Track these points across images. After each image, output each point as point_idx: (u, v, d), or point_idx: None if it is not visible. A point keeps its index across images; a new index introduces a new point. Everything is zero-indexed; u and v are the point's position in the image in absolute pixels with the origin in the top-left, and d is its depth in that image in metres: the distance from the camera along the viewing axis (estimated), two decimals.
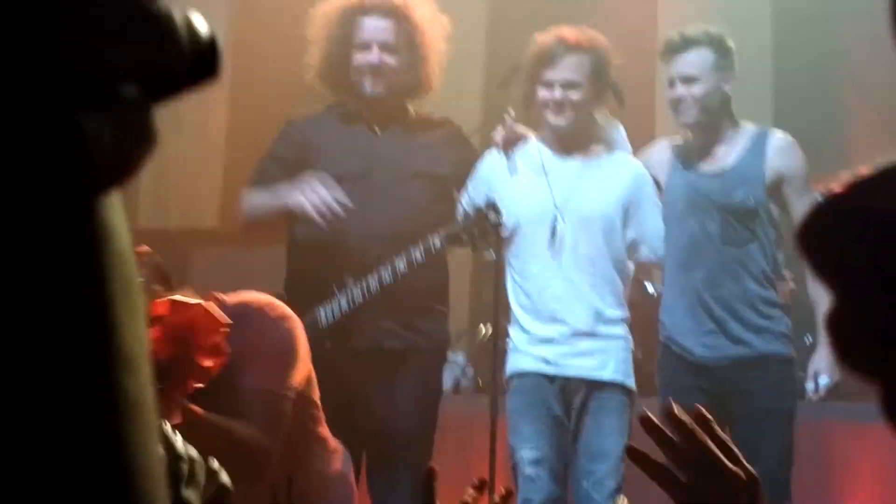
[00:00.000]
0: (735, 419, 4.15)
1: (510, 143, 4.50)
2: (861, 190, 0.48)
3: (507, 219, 4.29)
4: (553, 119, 4.38)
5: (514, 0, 6.46)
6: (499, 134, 4.56)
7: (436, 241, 4.21)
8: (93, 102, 0.52)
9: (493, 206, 4.21)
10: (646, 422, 1.59)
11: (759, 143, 4.49)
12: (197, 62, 0.55)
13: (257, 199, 4.42)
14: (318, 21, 4.47)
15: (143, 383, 0.57)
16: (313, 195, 4.21)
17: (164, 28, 0.53)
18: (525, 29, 4.57)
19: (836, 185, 0.47)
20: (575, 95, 4.34)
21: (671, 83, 4.50)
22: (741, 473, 1.51)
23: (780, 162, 4.45)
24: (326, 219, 4.18)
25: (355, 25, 4.41)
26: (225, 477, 2.00)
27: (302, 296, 4.23)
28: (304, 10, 4.50)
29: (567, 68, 4.34)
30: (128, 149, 0.54)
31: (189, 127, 7.09)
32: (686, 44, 4.48)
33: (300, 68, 4.55)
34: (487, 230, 4.21)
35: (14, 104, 0.51)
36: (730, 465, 1.51)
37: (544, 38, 4.40)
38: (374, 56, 4.39)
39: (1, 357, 0.52)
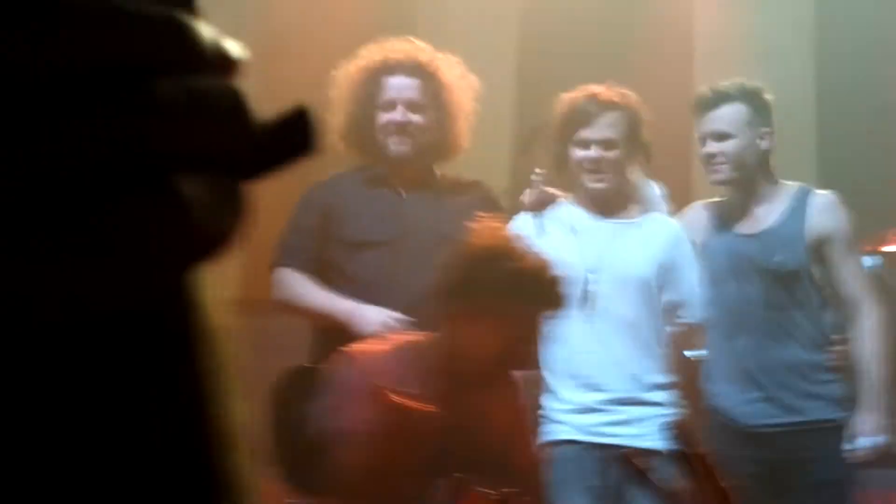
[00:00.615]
0: (791, 489, 4.10)
1: (540, 205, 4.42)
2: None
3: None
4: (590, 180, 4.32)
5: (544, 60, 6.44)
6: (528, 196, 4.47)
7: None
8: (185, 172, 0.52)
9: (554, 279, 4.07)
10: None
11: (799, 203, 4.45)
12: (283, 138, 0.55)
13: (307, 293, 4.28)
14: (342, 82, 4.40)
15: (241, 463, 0.57)
16: (378, 322, 4.08)
17: (232, 107, 0.53)
18: (555, 89, 4.48)
19: None
20: (612, 154, 4.30)
21: (703, 140, 4.46)
22: None
23: (822, 222, 4.40)
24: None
25: (380, 85, 4.35)
26: None
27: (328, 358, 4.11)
28: (326, 71, 4.41)
29: (603, 127, 4.29)
30: (221, 218, 0.54)
31: None
32: (718, 99, 4.45)
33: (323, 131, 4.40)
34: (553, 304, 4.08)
35: (115, 168, 0.50)
36: None
37: (575, 96, 4.34)
38: (398, 115, 4.31)
39: (97, 438, 0.52)
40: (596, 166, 4.31)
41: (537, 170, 4.47)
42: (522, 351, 3.62)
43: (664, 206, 4.57)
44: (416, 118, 4.32)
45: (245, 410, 0.57)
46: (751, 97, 4.46)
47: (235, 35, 0.55)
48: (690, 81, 6.14)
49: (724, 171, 4.42)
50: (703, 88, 4.59)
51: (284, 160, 0.55)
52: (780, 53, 6.37)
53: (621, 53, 6.30)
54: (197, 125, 0.52)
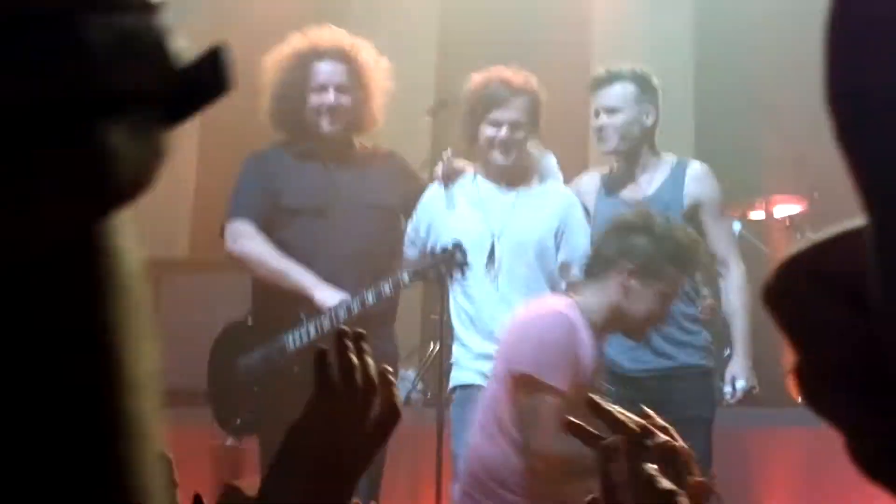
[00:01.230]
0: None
1: (450, 177, 4.71)
2: (819, 253, 0.49)
3: (447, 244, 4.47)
4: (499, 156, 4.60)
5: (461, 43, 6.70)
6: (439, 169, 4.78)
7: (404, 276, 4.42)
8: (110, 117, 0.51)
9: (459, 247, 4.41)
10: (570, 425, 1.64)
11: (677, 173, 4.74)
12: (199, 81, 0.54)
13: (268, 256, 4.51)
14: (272, 66, 4.66)
15: (145, 406, 0.56)
16: (333, 301, 4.36)
17: (158, 49, 0.52)
18: (470, 69, 4.76)
19: (795, 248, 0.49)
20: (519, 134, 4.59)
21: (596, 113, 4.74)
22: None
23: (697, 189, 4.69)
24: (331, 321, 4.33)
25: (310, 70, 4.61)
26: None
27: (268, 322, 4.47)
28: (272, 44, 4.64)
29: (513, 109, 4.56)
30: (143, 164, 0.53)
31: None
32: (611, 78, 4.74)
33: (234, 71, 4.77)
34: (454, 268, 4.40)
35: (35, 118, 0.49)
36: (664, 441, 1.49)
37: (487, 79, 4.61)
38: (330, 97, 4.57)
39: (3, 372, 0.51)
40: (505, 144, 4.57)
41: (448, 150, 4.76)
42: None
43: (559, 175, 4.86)
44: (344, 99, 4.59)
45: (155, 355, 0.56)
46: (639, 79, 4.73)
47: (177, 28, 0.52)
48: (587, 65, 6.37)
49: (613, 141, 4.69)
50: (599, 69, 4.87)
51: (202, 101, 0.54)
52: (664, 41, 6.61)
53: (529, 37, 6.54)
54: (125, 67, 0.50)
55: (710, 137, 6.34)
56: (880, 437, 0.47)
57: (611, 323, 3.88)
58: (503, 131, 4.58)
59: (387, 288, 4.39)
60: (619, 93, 4.72)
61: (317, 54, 4.64)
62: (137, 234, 0.57)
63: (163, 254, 7.01)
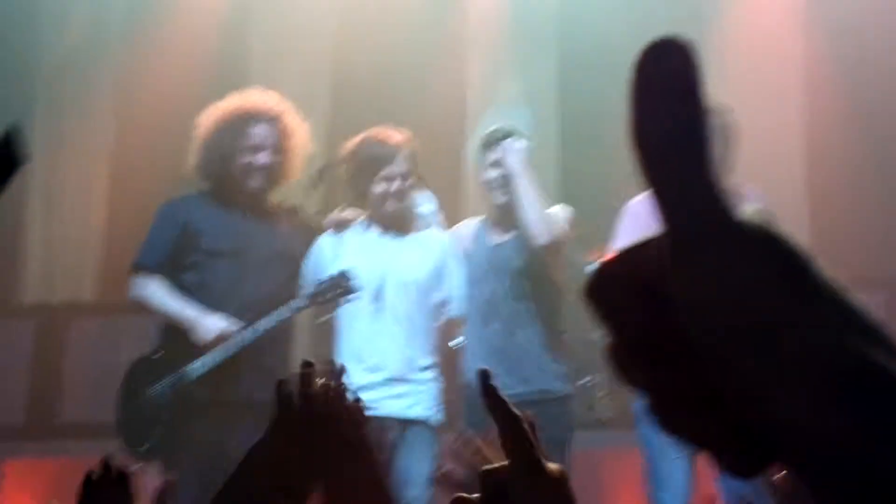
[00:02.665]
0: None
1: (341, 226, 4.95)
2: (625, 259, 0.55)
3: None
4: (393, 205, 4.85)
5: (351, 105, 6.94)
6: (331, 218, 5.00)
7: (300, 301, 4.63)
8: None
9: (345, 274, 4.65)
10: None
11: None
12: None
13: (160, 298, 4.71)
14: (208, 123, 4.83)
15: None
16: (215, 331, 4.59)
17: None
18: (360, 127, 4.99)
19: (609, 254, 0.55)
20: (407, 184, 4.87)
21: (494, 166, 4.94)
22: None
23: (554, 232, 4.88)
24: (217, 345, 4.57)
25: (245, 130, 4.80)
26: None
27: (174, 355, 4.66)
28: (183, 98, 4.82)
29: (401, 162, 4.83)
30: None
31: (70, 206, 7.33)
32: (501, 137, 4.97)
33: (178, 152, 4.89)
34: (341, 292, 4.63)
35: None
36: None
37: (372, 140, 4.87)
38: (261, 157, 4.80)
39: None
40: (398, 195, 4.83)
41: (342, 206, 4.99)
42: None
43: (439, 221, 5.09)
44: (272, 159, 4.82)
45: None
46: (526, 137, 5.00)
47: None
48: (463, 117, 6.83)
49: (504, 192, 4.91)
50: (489, 129, 5.07)
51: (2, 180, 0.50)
52: (531, 95, 6.96)
53: (409, 100, 6.78)
54: None
55: (575, 185, 6.64)
56: (670, 392, 0.53)
57: None
58: (395, 184, 4.84)
59: (285, 312, 4.61)
60: (513, 147, 4.94)
61: (251, 116, 4.83)
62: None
63: (72, 298, 7.08)
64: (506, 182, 4.93)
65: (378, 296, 4.83)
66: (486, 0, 7.40)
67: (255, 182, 4.82)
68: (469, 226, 5.18)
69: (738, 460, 0.53)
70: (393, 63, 7.15)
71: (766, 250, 0.51)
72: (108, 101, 7.49)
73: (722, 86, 5.80)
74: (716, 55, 6.62)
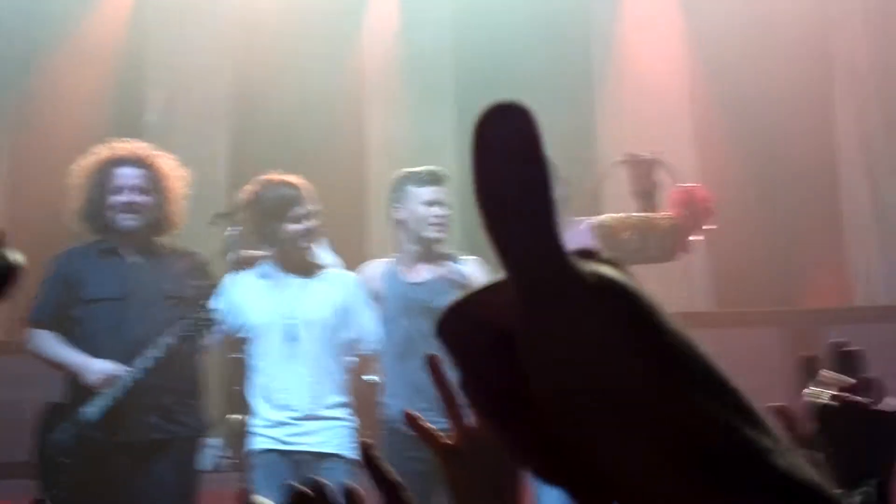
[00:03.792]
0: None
1: (242, 267, 5.05)
2: (478, 301, 0.55)
3: (244, 325, 4.83)
4: (305, 244, 4.91)
5: (249, 151, 6.93)
6: (232, 259, 5.10)
7: (168, 339, 4.64)
8: None
9: (203, 307, 4.70)
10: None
11: (455, 261, 5.09)
12: None
13: (50, 349, 4.79)
14: (79, 172, 4.91)
15: None
16: (101, 374, 4.63)
17: None
18: (260, 168, 5.09)
19: (459, 297, 0.55)
20: (315, 224, 4.95)
21: (429, 205, 5.01)
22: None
23: (474, 273, 4.98)
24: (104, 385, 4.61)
25: (110, 174, 4.86)
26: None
27: (77, 399, 4.66)
28: (79, 133, 4.90)
29: (307, 203, 4.91)
30: None
31: None
32: (442, 176, 5.09)
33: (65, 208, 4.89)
34: (203, 322, 4.70)
35: None
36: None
37: (281, 182, 4.94)
38: (124, 196, 4.82)
39: None
40: (309, 234, 4.90)
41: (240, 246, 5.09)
42: None
43: (338, 261, 5.16)
44: (139, 199, 4.84)
45: None
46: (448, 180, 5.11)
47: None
48: (361, 168, 6.92)
49: (444, 231, 5.03)
50: (425, 169, 5.14)
51: None
52: (428, 147, 6.99)
53: (308, 147, 6.82)
54: None
55: (475, 230, 6.72)
56: (518, 433, 0.54)
57: None
58: (304, 225, 4.90)
59: (156, 352, 4.63)
60: (446, 190, 5.07)
61: (116, 160, 4.90)
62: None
63: None
64: (445, 221, 5.01)
65: (287, 336, 4.86)
66: (381, 43, 7.48)
67: (125, 221, 4.85)
68: (376, 266, 5.20)
69: (590, 499, 0.53)
70: (291, 106, 7.18)
71: (612, 306, 0.52)
72: (3, 133, 7.38)
73: (614, 128, 5.92)
74: (609, 97, 6.75)
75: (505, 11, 7.35)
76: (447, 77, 7.43)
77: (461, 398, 1.40)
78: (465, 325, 0.55)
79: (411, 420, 1.62)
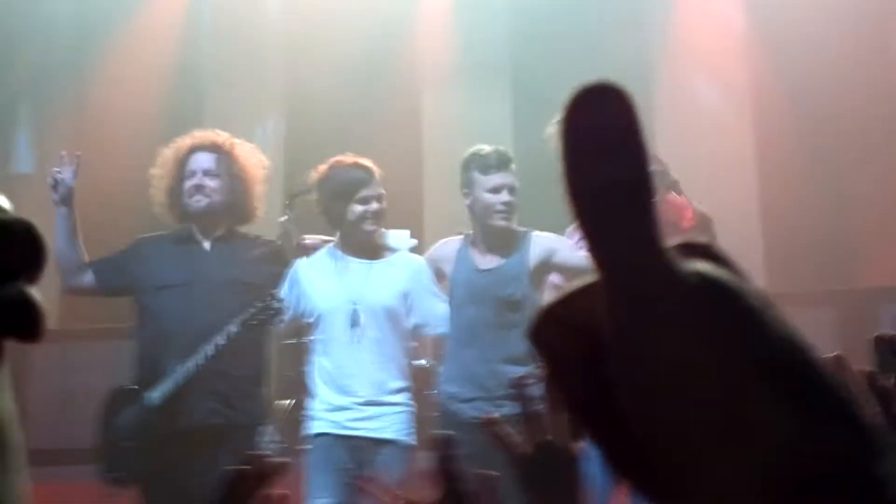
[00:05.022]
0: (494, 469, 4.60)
1: (307, 253, 4.99)
2: (568, 303, 0.52)
3: (312, 310, 4.80)
4: (371, 227, 4.84)
5: (306, 136, 6.90)
6: (301, 242, 5.04)
7: (231, 327, 4.62)
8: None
9: (273, 296, 4.69)
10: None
11: (524, 244, 4.94)
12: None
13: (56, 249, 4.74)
14: (160, 161, 5.00)
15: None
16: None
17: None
18: (314, 160, 5.02)
19: (555, 297, 0.52)
20: (385, 205, 4.89)
21: (496, 190, 4.91)
22: None
23: (540, 255, 4.90)
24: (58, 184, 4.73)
25: (186, 161, 4.92)
26: None
27: (143, 384, 4.72)
28: (136, 133, 4.93)
29: (376, 185, 4.87)
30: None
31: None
32: (508, 159, 4.99)
33: (134, 187, 5.03)
34: (271, 310, 4.69)
35: None
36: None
37: (344, 165, 4.89)
38: (196, 179, 4.87)
39: None
40: (377, 216, 4.84)
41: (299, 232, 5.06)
42: None
43: (409, 244, 5.12)
44: (210, 182, 4.88)
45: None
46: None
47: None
48: (419, 153, 6.87)
49: (510, 217, 4.90)
50: (486, 151, 5.00)
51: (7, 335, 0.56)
52: (486, 133, 6.65)
53: (366, 130, 6.77)
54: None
55: (531, 212, 6.69)
56: (615, 454, 0.51)
57: None
58: (372, 206, 4.84)
59: (220, 339, 4.62)
60: (513, 173, 4.96)
61: (193, 148, 4.97)
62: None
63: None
64: (511, 207, 4.91)
65: (351, 320, 4.82)
66: (436, 35, 7.40)
67: (196, 203, 4.89)
68: (450, 247, 5.11)
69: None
70: (345, 91, 7.16)
71: (714, 309, 0.47)
72: (63, 130, 7.41)
73: (672, 112, 5.84)
74: (667, 80, 6.65)
75: None
76: (503, 57, 7.32)
77: (543, 414, 1.36)
78: (558, 330, 0.52)
79: (489, 425, 1.50)
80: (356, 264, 4.91)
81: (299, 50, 7.26)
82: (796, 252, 6.40)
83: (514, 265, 4.89)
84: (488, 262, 4.94)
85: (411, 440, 4.76)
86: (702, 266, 0.48)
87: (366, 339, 4.79)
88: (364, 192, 4.83)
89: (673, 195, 4.97)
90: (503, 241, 4.94)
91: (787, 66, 6.85)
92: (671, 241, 0.48)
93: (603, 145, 0.47)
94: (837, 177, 6.68)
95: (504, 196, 4.91)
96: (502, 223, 4.91)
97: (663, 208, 4.83)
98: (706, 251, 0.50)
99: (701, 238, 0.51)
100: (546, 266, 4.91)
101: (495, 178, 4.92)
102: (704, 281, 0.48)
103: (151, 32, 7.26)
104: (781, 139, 6.82)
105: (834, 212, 6.64)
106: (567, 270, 4.87)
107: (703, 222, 5.00)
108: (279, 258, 5.00)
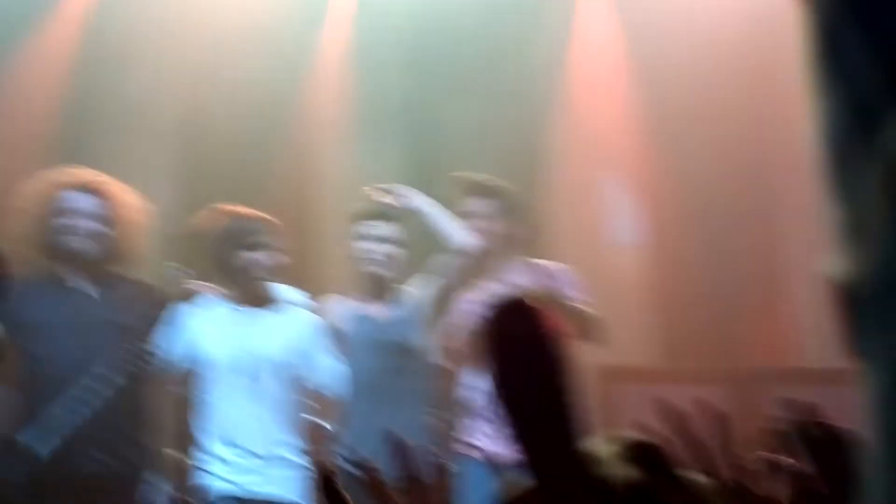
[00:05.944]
0: None
1: (196, 296, 4.85)
2: (500, 316, 0.61)
3: (201, 358, 4.67)
4: (258, 275, 4.76)
5: (196, 181, 6.75)
6: (187, 287, 4.88)
7: (112, 371, 4.57)
8: None
9: (149, 337, 4.63)
10: None
11: (401, 295, 4.98)
12: None
13: None
14: (29, 195, 4.80)
15: None
16: None
17: None
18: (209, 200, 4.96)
19: (488, 312, 0.62)
20: (275, 256, 4.81)
21: (364, 240, 4.95)
22: None
23: (416, 305, 4.93)
24: None
25: (57, 198, 4.74)
26: None
27: (26, 431, 4.54)
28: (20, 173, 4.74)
29: (261, 234, 4.80)
30: None
31: None
32: (386, 213, 4.99)
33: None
34: (151, 355, 4.66)
35: None
36: None
37: (241, 213, 4.84)
38: (69, 219, 4.70)
39: None
40: (266, 265, 4.76)
41: (187, 270, 4.92)
42: None
43: (300, 299, 4.93)
44: (83, 223, 4.73)
45: None
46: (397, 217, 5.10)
47: None
48: (307, 200, 6.73)
49: (385, 267, 4.96)
50: (364, 205, 5.07)
51: None
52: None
53: (257, 177, 6.73)
54: None
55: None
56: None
57: None
58: (262, 254, 4.76)
59: (100, 385, 4.56)
60: (387, 224, 5.03)
61: (64, 185, 4.79)
62: None
63: None
64: (390, 258, 4.93)
65: (243, 372, 4.70)
66: (333, 80, 7.27)
67: (68, 243, 4.72)
68: (339, 301, 5.05)
69: None
70: (240, 141, 7.06)
71: None
72: None
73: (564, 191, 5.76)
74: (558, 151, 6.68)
75: (455, 40, 7.16)
76: (397, 110, 7.23)
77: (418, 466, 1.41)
78: (498, 337, 0.57)
79: (369, 472, 1.60)
80: (247, 314, 4.80)
81: (197, 91, 7.04)
82: (689, 328, 6.46)
83: (401, 315, 4.90)
84: (380, 311, 4.94)
85: (301, 501, 4.69)
86: (632, 470, 0.54)
87: (259, 392, 4.68)
88: (254, 240, 4.75)
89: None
90: (387, 291, 4.96)
91: (676, 141, 6.90)
92: (621, 434, 0.55)
93: (524, 358, 0.55)
94: (725, 254, 6.78)
95: (372, 245, 4.95)
96: (376, 270, 4.93)
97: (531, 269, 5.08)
98: (650, 452, 0.56)
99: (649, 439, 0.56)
100: (423, 315, 4.95)
101: (366, 228, 4.98)
102: (623, 481, 0.53)
103: (42, 57, 6.95)
104: (672, 219, 6.87)
105: (723, 291, 6.74)
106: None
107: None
108: (151, 297, 4.87)
